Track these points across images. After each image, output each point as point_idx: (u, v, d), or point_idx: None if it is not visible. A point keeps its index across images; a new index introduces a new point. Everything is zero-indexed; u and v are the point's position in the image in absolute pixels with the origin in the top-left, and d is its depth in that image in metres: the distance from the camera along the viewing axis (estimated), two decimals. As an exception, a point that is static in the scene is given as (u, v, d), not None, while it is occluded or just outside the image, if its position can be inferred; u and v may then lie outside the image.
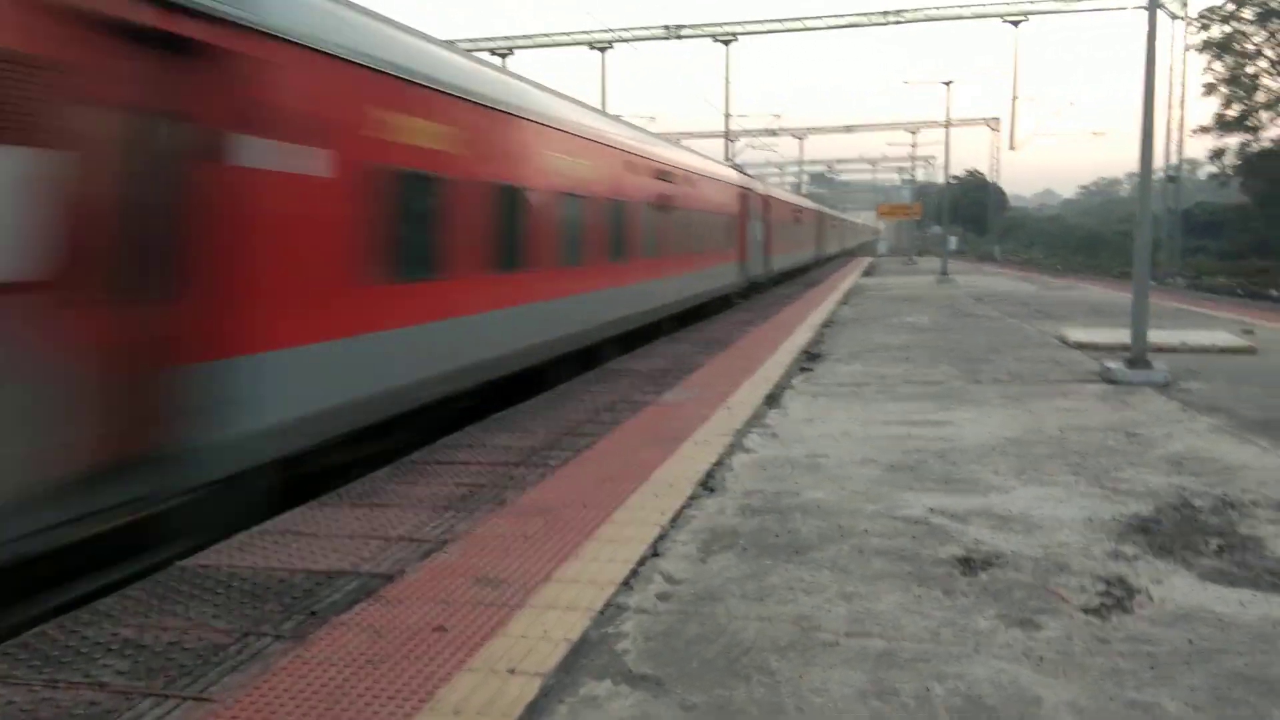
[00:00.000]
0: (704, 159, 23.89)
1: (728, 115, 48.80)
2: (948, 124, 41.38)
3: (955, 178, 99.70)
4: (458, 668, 3.93)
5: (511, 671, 3.89)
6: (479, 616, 4.46)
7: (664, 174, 17.26)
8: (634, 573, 5.05)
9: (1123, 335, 13.32)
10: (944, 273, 37.42)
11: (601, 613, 4.52)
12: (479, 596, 4.70)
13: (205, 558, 5.34)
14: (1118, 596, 4.66)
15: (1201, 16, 51.33)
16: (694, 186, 19.84)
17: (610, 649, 4.14)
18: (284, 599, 4.72)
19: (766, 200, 30.80)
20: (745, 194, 26.54)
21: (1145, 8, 10.97)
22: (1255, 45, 51.90)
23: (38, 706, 3.64)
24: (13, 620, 4.75)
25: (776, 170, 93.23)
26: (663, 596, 4.74)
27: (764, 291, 29.79)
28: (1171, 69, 45.84)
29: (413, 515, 6.13)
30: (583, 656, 4.06)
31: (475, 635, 4.25)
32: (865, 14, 43.87)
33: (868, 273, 45.33)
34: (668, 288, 17.63)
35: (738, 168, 30.50)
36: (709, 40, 46.39)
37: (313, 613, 4.55)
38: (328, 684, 3.80)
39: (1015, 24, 44.73)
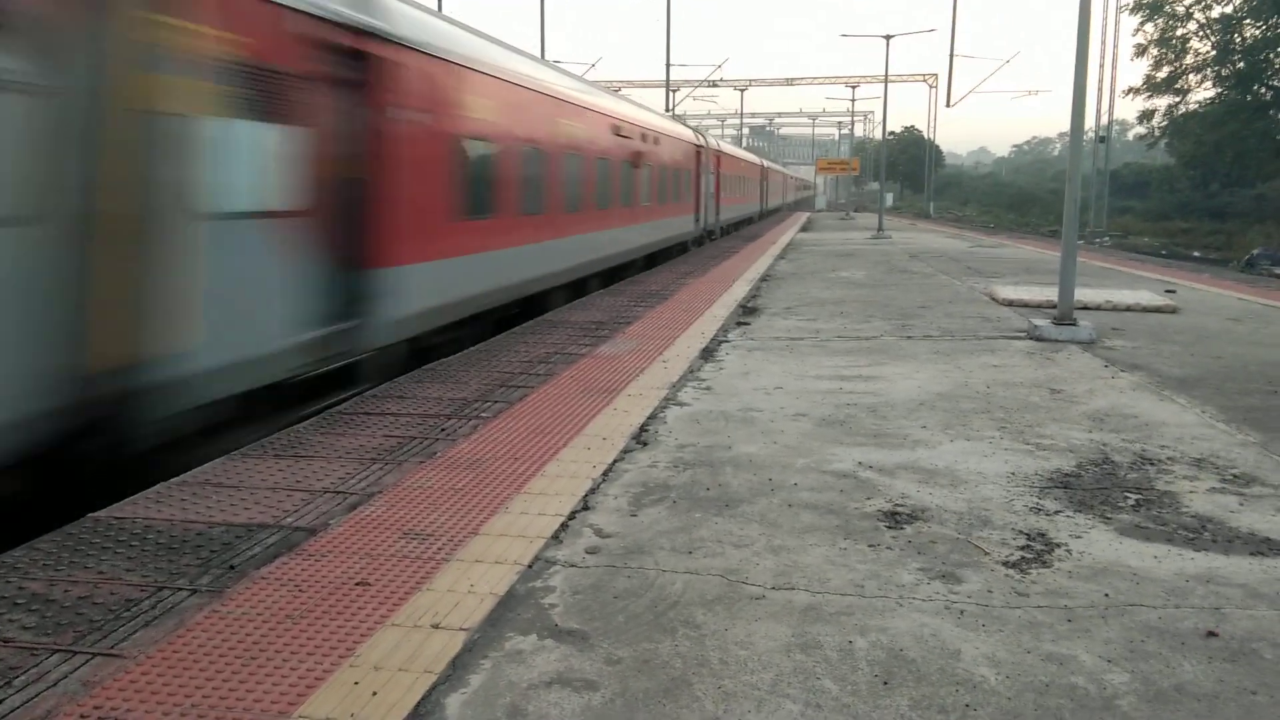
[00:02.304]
0: (665, 118, 26.74)
1: (669, 65, 48.35)
2: (886, 80, 41.52)
3: (893, 134, 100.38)
4: (380, 623, 3.87)
5: (436, 626, 3.84)
6: (404, 571, 4.39)
7: (637, 134, 20.11)
8: (564, 526, 5.01)
9: (1051, 293, 13.58)
10: (880, 229, 37.75)
11: (529, 567, 4.48)
12: (404, 550, 4.63)
13: (120, 509, 5.17)
14: (1038, 550, 4.75)
15: (1135, -22, 51.99)
16: (659, 145, 22.64)
17: (537, 603, 4.11)
18: (201, 552, 4.60)
19: (718, 156, 33.17)
20: (700, 150, 28.90)
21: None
22: (1185, 8, 52.76)
23: (-64, 665, 3.49)
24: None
25: (717, 122, 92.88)
26: (592, 550, 4.71)
27: (715, 240, 32.49)
28: (1105, 30, 46.50)
29: (338, 468, 6.01)
30: (509, 611, 4.02)
31: (399, 590, 4.18)
32: (808, -35, 43.52)
33: (805, 228, 45.53)
34: (638, 233, 20.73)
35: (695, 129, 32.35)
36: (651, -13, 45.67)
37: (231, 566, 4.43)
38: (244, 639, 3.71)
39: (956, -20, 44.82)
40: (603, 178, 17.30)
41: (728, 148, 39.79)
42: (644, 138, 20.86)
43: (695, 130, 31.15)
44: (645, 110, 23.76)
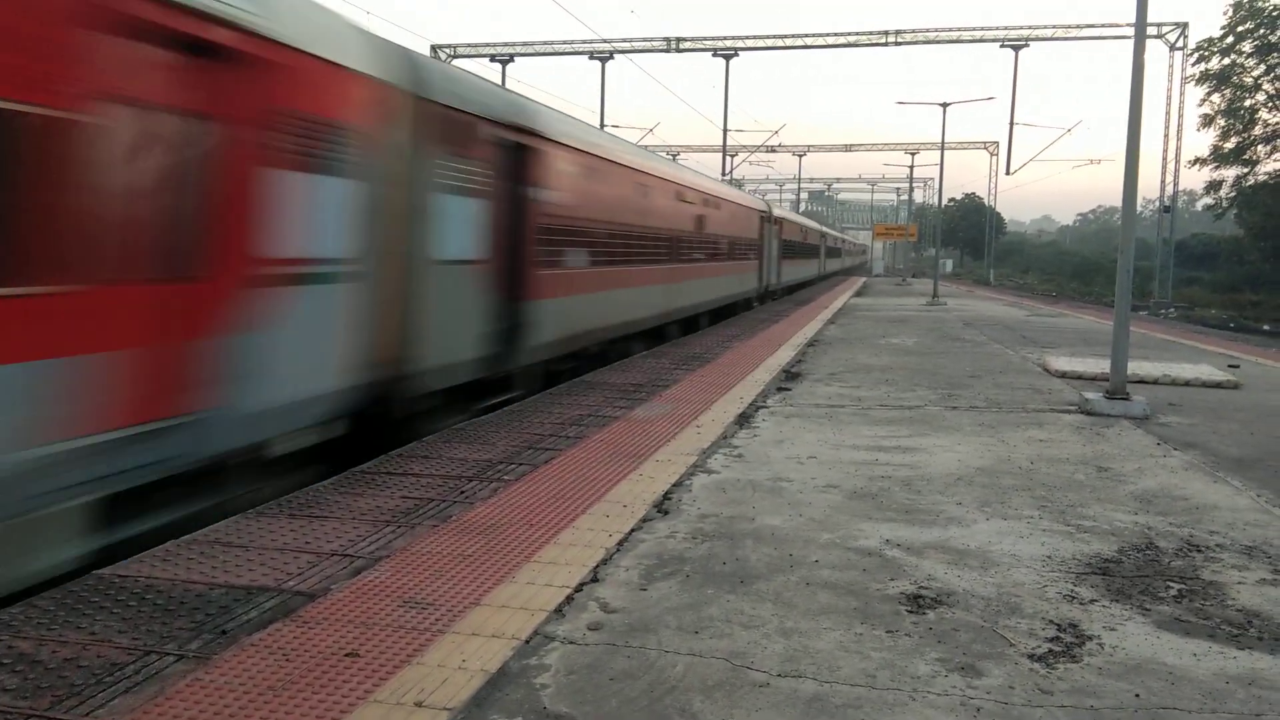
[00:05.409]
0: (732, 188, 31.12)
1: (726, 130, 48.73)
2: (943, 146, 41.34)
3: (953, 200, 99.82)
4: (363, 698, 3.72)
5: (419, 704, 3.68)
6: (397, 642, 4.25)
7: (705, 200, 22.69)
8: (569, 599, 4.84)
9: (1106, 365, 13.15)
10: (935, 295, 37.31)
11: (527, 642, 4.31)
12: (401, 620, 4.50)
13: (125, 567, 5.13)
14: (1067, 643, 4.46)
15: (1199, 48, 51.38)
16: (727, 212, 25.06)
17: (529, 683, 3.93)
18: (197, 615, 4.51)
19: (780, 222, 35.66)
20: (765, 216, 31.81)
21: (1132, 37, 10.83)
22: (1254, 79, 51.97)
23: (-93, 726, 3.43)
24: None
25: (775, 187, 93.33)
26: (594, 626, 4.53)
27: (776, 299, 34.96)
28: (1170, 99, 45.88)
29: (351, 529, 5.92)
30: (497, 690, 3.85)
31: (389, 663, 4.04)
32: (865, 33, 43.81)
33: (860, 293, 45.21)
34: (708, 287, 23.30)
35: (764, 197, 38.57)
36: (709, 54, 46.31)
37: (223, 632, 4.34)
38: (221, 711, 3.59)
39: (1016, 49, 44.72)
40: (682, 240, 20.58)
41: (790, 214, 44.06)
42: (703, 201, 22.98)
43: (753, 195, 34.67)
44: (709, 179, 26.76)
